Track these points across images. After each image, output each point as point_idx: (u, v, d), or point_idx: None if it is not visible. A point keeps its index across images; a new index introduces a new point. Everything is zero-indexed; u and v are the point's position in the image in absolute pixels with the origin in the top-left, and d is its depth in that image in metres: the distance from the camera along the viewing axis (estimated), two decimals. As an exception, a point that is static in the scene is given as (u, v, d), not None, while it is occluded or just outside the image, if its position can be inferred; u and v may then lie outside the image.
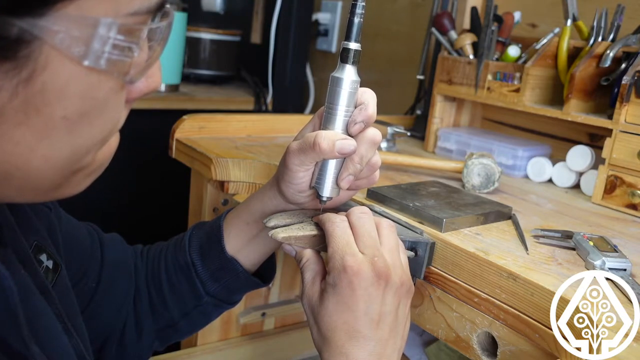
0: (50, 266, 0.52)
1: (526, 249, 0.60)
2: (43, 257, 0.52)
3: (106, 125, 0.40)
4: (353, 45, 0.56)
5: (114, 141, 0.45)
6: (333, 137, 0.54)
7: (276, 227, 0.59)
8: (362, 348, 0.53)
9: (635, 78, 0.77)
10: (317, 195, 0.59)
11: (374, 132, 0.56)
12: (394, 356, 0.55)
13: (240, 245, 0.67)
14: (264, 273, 0.71)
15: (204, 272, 0.67)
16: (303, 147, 0.56)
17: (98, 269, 0.66)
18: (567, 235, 0.63)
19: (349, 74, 0.55)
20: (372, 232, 0.56)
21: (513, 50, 0.99)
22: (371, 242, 0.55)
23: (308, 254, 0.58)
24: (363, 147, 0.56)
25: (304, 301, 0.58)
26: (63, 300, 0.51)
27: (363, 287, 0.53)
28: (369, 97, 0.56)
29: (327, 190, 0.58)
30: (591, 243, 0.60)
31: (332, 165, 0.57)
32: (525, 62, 0.95)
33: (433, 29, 1.07)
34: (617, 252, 0.59)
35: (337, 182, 0.58)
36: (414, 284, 0.65)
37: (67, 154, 0.38)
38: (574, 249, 0.62)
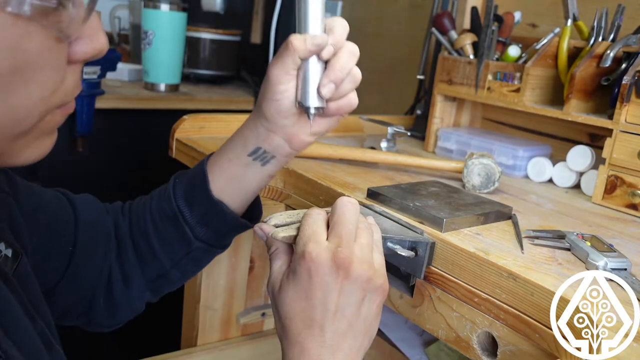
0: (10, 255, 0.52)
1: (522, 248, 0.60)
2: (1, 246, 0.51)
3: (45, 84, 0.39)
4: None
5: (60, 113, 0.43)
6: (306, 36, 0.57)
7: (276, 227, 0.59)
8: (317, 338, 0.52)
9: (636, 78, 0.77)
10: (305, 109, 0.59)
11: (352, 45, 0.58)
12: (354, 353, 0.54)
13: (225, 186, 0.66)
14: (251, 214, 0.71)
15: (192, 218, 0.67)
16: (280, 52, 0.58)
17: (72, 231, 0.66)
18: (559, 236, 0.63)
19: None
20: (349, 223, 0.55)
21: (513, 50, 0.99)
22: (343, 232, 0.54)
23: (277, 242, 0.58)
24: (343, 55, 0.57)
25: (268, 289, 0.58)
26: (25, 287, 0.51)
27: (321, 275, 0.52)
28: (336, 23, 0.58)
29: (311, 100, 0.58)
30: (588, 243, 0.60)
31: (313, 72, 0.58)
32: (525, 62, 0.95)
33: (433, 29, 1.07)
34: (615, 251, 0.59)
35: (319, 90, 0.58)
36: (414, 284, 0.65)
37: (2, 114, 0.37)
38: (568, 249, 0.62)
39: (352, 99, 0.62)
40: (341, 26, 0.58)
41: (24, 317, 0.47)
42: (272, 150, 0.64)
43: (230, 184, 0.66)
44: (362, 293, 0.54)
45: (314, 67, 0.58)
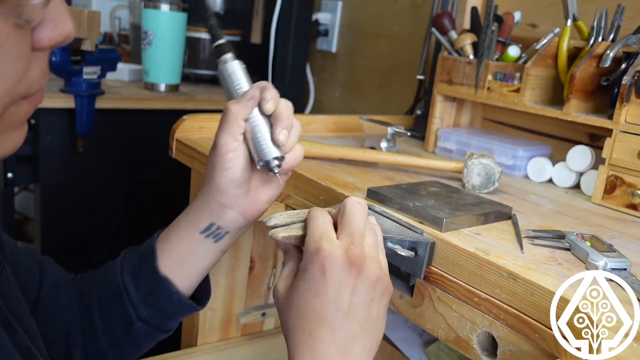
0: None
1: (521, 248, 0.60)
2: None
3: (7, 75, 0.37)
4: (222, 41, 0.63)
5: (28, 104, 0.41)
6: (238, 97, 0.60)
7: (276, 227, 0.59)
8: (327, 340, 0.50)
9: (636, 78, 0.77)
10: (266, 164, 0.60)
11: (285, 100, 0.62)
12: (364, 356, 0.52)
13: (174, 264, 0.65)
14: (199, 296, 0.68)
15: (136, 296, 0.64)
16: (222, 122, 0.60)
17: (36, 289, 0.64)
18: (559, 236, 0.63)
19: (232, 60, 0.63)
20: (359, 222, 0.54)
21: (513, 50, 0.99)
22: (353, 230, 0.53)
23: (291, 249, 0.57)
24: (283, 106, 0.61)
25: (275, 290, 0.56)
26: (5, 297, 0.50)
27: (334, 272, 0.51)
28: (264, 83, 0.61)
29: (272, 152, 0.60)
30: (588, 243, 0.60)
31: (261, 126, 0.60)
32: (525, 62, 0.95)
33: (433, 29, 1.07)
34: (615, 251, 0.59)
35: (275, 139, 0.60)
36: (414, 284, 0.65)
37: None
38: (568, 249, 0.62)
39: (300, 150, 0.63)
40: (269, 85, 0.61)
41: (0, 329, 0.46)
42: (226, 226, 0.64)
43: (180, 263, 0.64)
44: (372, 293, 0.53)
45: (261, 122, 0.61)
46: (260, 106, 0.60)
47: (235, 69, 0.62)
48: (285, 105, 0.61)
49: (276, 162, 0.60)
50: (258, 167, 0.61)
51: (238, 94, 0.61)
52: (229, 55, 0.62)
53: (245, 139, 0.61)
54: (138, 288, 0.65)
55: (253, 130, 0.60)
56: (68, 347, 0.66)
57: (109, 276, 0.67)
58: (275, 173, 0.61)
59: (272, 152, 0.60)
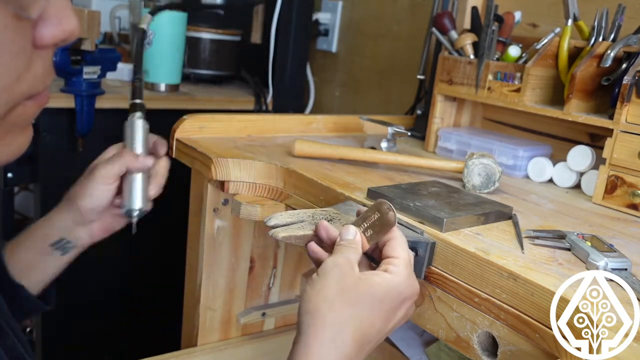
0: None
1: (522, 248, 0.60)
2: None
3: (7, 71, 0.35)
4: (138, 101, 0.77)
5: (33, 105, 0.40)
6: (138, 154, 0.71)
7: (276, 227, 0.59)
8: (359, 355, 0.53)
9: (636, 78, 0.77)
10: (129, 214, 0.71)
11: (166, 159, 0.76)
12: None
13: (21, 273, 0.68)
14: (45, 297, 0.72)
15: None
16: (112, 158, 0.69)
17: None
18: (560, 236, 0.63)
19: (138, 119, 0.76)
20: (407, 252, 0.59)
21: (514, 50, 0.99)
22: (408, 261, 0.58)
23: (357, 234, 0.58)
24: (164, 166, 0.75)
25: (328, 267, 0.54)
26: None
27: (408, 308, 0.57)
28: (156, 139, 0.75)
29: (142, 203, 0.72)
30: (588, 243, 0.60)
31: (136, 182, 0.71)
32: (525, 62, 0.95)
33: (433, 29, 1.07)
34: (615, 251, 0.59)
35: (144, 192, 0.72)
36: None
37: None
38: (569, 249, 0.62)
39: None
40: (161, 143, 0.75)
41: None
42: (74, 241, 0.71)
43: (25, 271, 0.68)
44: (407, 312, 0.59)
45: (142, 177, 0.72)
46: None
47: (137, 128, 0.75)
48: (164, 166, 0.75)
49: (137, 213, 0.71)
50: (121, 211, 0.71)
51: (133, 147, 0.73)
52: (137, 114, 0.75)
53: (121, 181, 0.71)
54: None
55: (130, 180, 0.71)
56: None
57: None
58: (132, 220, 0.72)
59: (137, 203, 0.71)
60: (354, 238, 0.56)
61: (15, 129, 0.40)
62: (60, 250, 0.71)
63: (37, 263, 0.70)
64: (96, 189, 0.69)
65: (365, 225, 0.57)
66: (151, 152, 0.75)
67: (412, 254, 0.58)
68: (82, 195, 0.69)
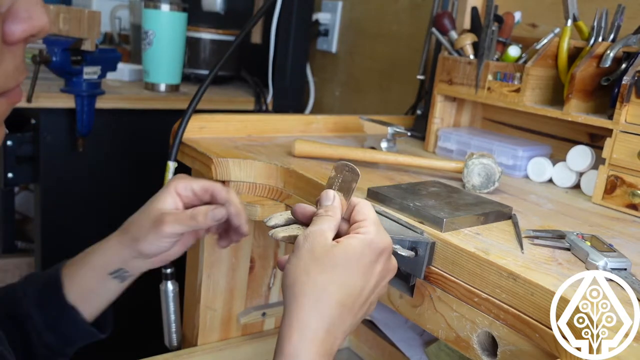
0: None
1: (521, 248, 0.60)
2: None
3: None
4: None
5: (4, 102, 0.39)
6: (206, 210, 0.67)
7: (276, 227, 0.59)
8: (345, 318, 0.54)
9: (636, 78, 0.77)
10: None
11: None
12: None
13: (79, 297, 0.68)
14: (100, 324, 0.72)
15: (40, 322, 0.67)
16: (180, 219, 0.66)
17: None
18: (560, 236, 0.63)
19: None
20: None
21: (513, 50, 0.99)
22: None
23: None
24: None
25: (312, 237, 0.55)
26: None
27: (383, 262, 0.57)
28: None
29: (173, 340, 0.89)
30: (588, 243, 0.60)
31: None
32: (525, 62, 0.95)
33: (433, 29, 1.07)
34: (615, 251, 0.59)
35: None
36: (414, 284, 0.65)
37: None
38: (568, 249, 0.62)
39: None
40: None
41: None
42: (132, 271, 0.71)
43: (84, 296, 0.69)
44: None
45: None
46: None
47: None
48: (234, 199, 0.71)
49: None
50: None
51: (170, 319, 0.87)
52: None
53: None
54: (43, 314, 0.67)
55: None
56: None
57: (9, 303, 0.68)
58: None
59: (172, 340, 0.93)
60: (333, 203, 0.57)
61: None
62: (118, 278, 0.71)
63: (94, 289, 0.70)
64: (162, 242, 0.67)
65: (334, 189, 0.58)
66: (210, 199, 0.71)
67: (374, 216, 0.58)
68: (144, 236, 0.67)
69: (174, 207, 0.69)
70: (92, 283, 0.69)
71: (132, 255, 0.69)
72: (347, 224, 0.58)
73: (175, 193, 0.70)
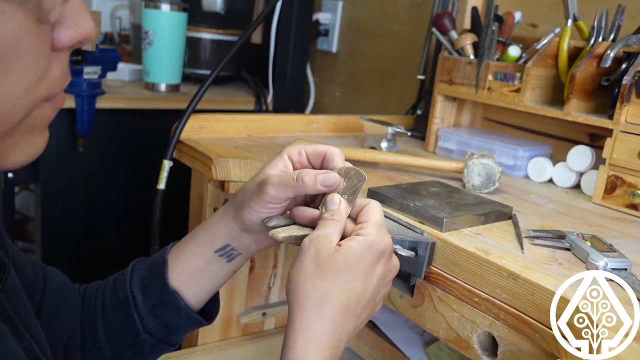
0: None
1: (522, 248, 0.60)
2: None
3: (27, 73, 0.36)
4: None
5: (50, 107, 0.40)
6: (316, 173, 0.58)
7: (276, 227, 0.59)
8: (349, 322, 0.54)
9: (636, 78, 0.77)
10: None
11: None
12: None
13: (185, 278, 0.65)
14: (207, 311, 0.68)
15: (144, 307, 0.64)
16: (285, 180, 0.58)
17: (40, 295, 0.63)
18: (560, 236, 0.63)
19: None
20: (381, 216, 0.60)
21: (514, 50, 0.99)
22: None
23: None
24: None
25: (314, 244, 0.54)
26: (13, 302, 0.49)
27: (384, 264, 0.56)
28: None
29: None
30: (588, 243, 0.60)
31: None
32: (525, 62, 0.95)
33: (434, 29, 1.07)
34: (615, 251, 0.59)
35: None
36: (414, 284, 0.65)
37: None
38: (569, 249, 0.62)
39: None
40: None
41: (10, 337, 0.45)
42: (240, 248, 0.65)
43: (191, 278, 0.65)
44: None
45: None
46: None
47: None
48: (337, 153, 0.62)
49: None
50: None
51: None
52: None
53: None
54: (146, 299, 0.65)
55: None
56: (67, 356, 0.65)
57: (118, 285, 0.66)
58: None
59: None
60: (339, 207, 0.57)
61: (33, 131, 0.40)
62: (225, 257, 0.65)
63: (201, 269, 0.64)
64: (263, 206, 0.60)
65: (339, 192, 0.58)
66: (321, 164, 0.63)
67: (383, 217, 0.58)
68: (246, 206, 0.61)
69: (284, 171, 0.62)
70: (198, 263, 0.64)
71: (238, 228, 0.63)
72: (354, 224, 0.58)
73: (287, 158, 0.62)
